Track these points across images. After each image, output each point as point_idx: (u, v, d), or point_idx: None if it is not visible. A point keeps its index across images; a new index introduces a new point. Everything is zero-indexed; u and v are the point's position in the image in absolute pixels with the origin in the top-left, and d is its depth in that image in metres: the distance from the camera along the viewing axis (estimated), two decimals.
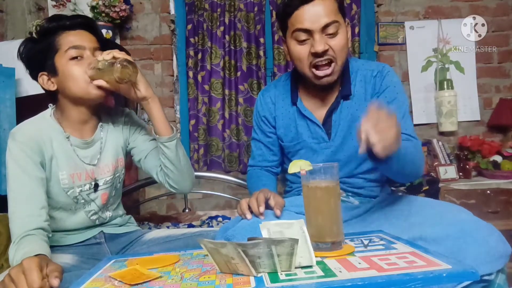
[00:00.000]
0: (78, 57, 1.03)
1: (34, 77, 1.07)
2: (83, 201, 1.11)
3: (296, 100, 1.18)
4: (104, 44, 1.11)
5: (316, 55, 1.04)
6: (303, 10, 1.02)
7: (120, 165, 1.19)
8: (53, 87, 1.06)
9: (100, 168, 1.13)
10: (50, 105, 1.11)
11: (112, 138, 1.17)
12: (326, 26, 1.02)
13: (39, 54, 1.04)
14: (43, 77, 1.06)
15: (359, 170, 1.16)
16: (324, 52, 1.03)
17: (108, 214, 1.18)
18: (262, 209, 0.94)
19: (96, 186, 1.13)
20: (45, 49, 1.04)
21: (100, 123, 1.15)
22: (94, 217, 1.14)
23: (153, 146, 1.18)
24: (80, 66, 1.03)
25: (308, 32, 1.03)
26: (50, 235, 0.98)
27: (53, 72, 1.04)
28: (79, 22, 1.06)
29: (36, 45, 1.05)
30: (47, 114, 1.10)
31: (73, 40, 1.03)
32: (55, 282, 0.70)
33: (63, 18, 1.06)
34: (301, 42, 1.05)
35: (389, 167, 0.90)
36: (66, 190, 1.07)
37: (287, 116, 1.20)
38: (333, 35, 1.03)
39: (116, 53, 1.00)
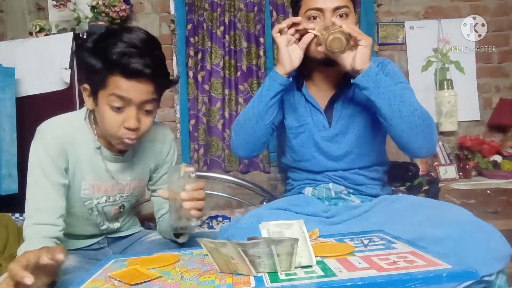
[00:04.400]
0: (119, 108, 0.91)
1: (82, 78, 0.97)
2: (96, 212, 1.08)
3: (302, 86, 1.20)
4: (166, 86, 1.06)
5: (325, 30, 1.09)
6: None
7: (142, 185, 1.16)
8: (90, 107, 0.97)
9: (123, 185, 1.08)
10: (85, 105, 1.00)
11: (144, 159, 1.10)
12: (337, 8, 1.08)
13: (89, 66, 0.91)
14: (86, 91, 0.97)
15: (358, 164, 1.16)
16: None
17: (116, 224, 1.17)
18: None
19: (122, 206, 1.12)
20: (94, 69, 0.90)
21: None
22: (103, 227, 1.13)
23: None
24: (117, 116, 0.91)
25: (320, 11, 1.09)
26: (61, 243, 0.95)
27: (94, 98, 0.95)
28: (141, 72, 0.88)
29: (89, 54, 0.91)
30: (81, 117, 1.01)
31: (121, 87, 0.88)
32: (60, 256, 0.69)
33: (126, 54, 0.86)
34: (312, 19, 1.11)
35: (376, 90, 1.02)
36: (84, 200, 1.04)
37: (293, 98, 1.22)
38: (343, 18, 1.10)
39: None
